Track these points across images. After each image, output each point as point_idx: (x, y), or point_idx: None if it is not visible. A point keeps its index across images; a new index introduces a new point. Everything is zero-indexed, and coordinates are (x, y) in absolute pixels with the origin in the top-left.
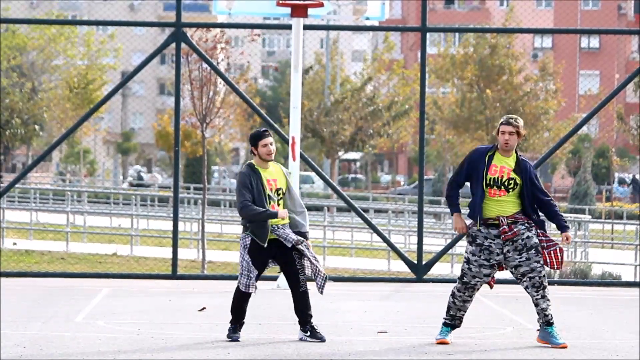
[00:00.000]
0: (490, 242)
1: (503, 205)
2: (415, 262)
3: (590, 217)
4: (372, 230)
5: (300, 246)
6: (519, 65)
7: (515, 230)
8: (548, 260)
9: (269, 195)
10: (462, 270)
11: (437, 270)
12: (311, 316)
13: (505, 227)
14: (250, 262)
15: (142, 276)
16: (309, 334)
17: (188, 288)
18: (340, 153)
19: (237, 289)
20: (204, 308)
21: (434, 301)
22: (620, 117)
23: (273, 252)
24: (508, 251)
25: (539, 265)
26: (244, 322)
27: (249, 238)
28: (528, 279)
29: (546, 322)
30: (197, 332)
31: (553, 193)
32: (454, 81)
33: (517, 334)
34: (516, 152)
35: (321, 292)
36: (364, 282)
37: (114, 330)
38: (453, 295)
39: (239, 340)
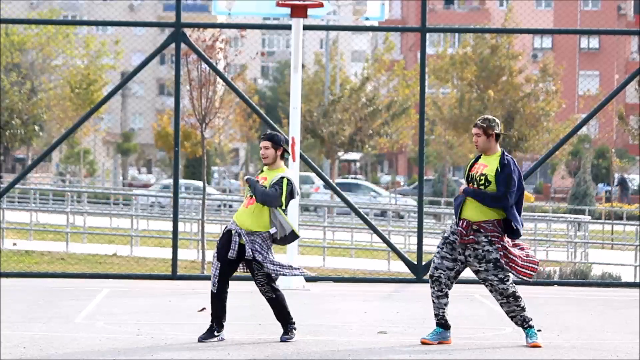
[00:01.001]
0: (455, 238)
1: (475, 208)
2: (415, 262)
3: (590, 217)
4: (372, 230)
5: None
6: (518, 65)
7: (473, 238)
8: (521, 276)
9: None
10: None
11: None
12: (290, 322)
13: (463, 231)
14: (214, 256)
15: (142, 277)
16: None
17: (188, 288)
18: (340, 153)
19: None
20: (204, 308)
21: None
22: (621, 117)
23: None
24: (469, 255)
25: (496, 279)
26: (222, 322)
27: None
28: (490, 286)
29: (521, 326)
30: (197, 332)
31: (553, 194)
32: (454, 82)
33: (516, 334)
34: (502, 152)
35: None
36: (364, 282)
37: (113, 331)
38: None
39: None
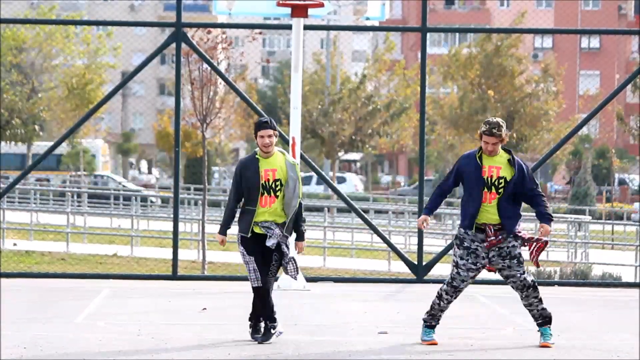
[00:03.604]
0: (477, 246)
1: (489, 212)
2: (416, 262)
3: (590, 217)
4: (372, 231)
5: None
6: (520, 66)
7: (500, 237)
8: (530, 257)
9: (263, 185)
10: (452, 274)
11: (438, 271)
12: (261, 317)
13: (492, 238)
14: (245, 252)
15: (143, 277)
16: (251, 330)
17: (188, 289)
18: (340, 154)
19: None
20: (204, 309)
21: None
22: (620, 117)
23: (261, 245)
24: (493, 256)
25: (519, 273)
26: (261, 318)
27: (240, 235)
28: (512, 282)
29: (539, 323)
30: (198, 332)
31: (553, 194)
32: (457, 80)
33: (517, 334)
34: (508, 151)
35: (295, 278)
36: (364, 282)
37: (114, 331)
38: (440, 297)
39: (257, 341)
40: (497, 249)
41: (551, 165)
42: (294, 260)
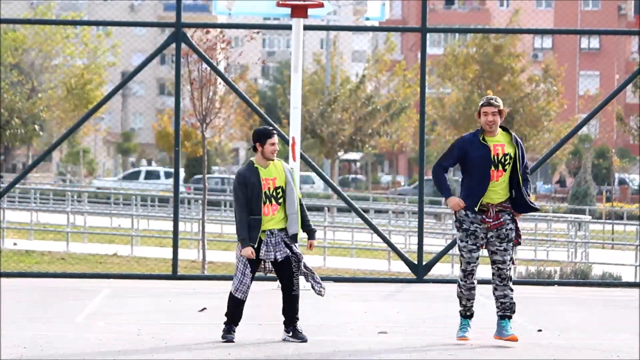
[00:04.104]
0: (476, 227)
1: (495, 191)
2: (416, 262)
3: (590, 217)
4: (372, 230)
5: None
6: (520, 65)
7: (501, 220)
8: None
9: (265, 193)
10: (460, 259)
11: (438, 270)
12: (297, 319)
13: (492, 220)
14: (247, 262)
15: (143, 276)
16: (291, 334)
17: (188, 288)
18: (340, 153)
19: (230, 293)
20: (204, 308)
21: (434, 302)
22: (619, 117)
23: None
24: (491, 237)
25: (508, 259)
26: (239, 323)
27: None
28: (497, 269)
29: (505, 315)
30: (198, 332)
31: (553, 193)
32: (455, 80)
33: (517, 334)
34: (506, 130)
35: (322, 295)
36: (364, 282)
37: (114, 331)
38: (459, 285)
39: (233, 342)
40: (496, 230)
41: (551, 165)
42: (314, 275)
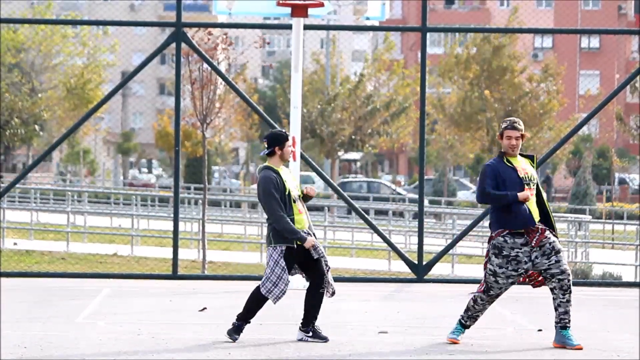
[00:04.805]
0: (517, 252)
1: (532, 208)
2: (416, 262)
3: (590, 217)
4: (372, 230)
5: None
6: (520, 65)
7: (545, 233)
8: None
9: (288, 195)
10: (488, 283)
11: (438, 270)
12: (316, 318)
13: (538, 232)
14: (286, 268)
15: (143, 276)
16: (311, 334)
17: (188, 288)
18: (340, 153)
19: (261, 292)
20: (204, 308)
21: (434, 301)
22: (619, 117)
23: (300, 256)
24: (536, 257)
25: (564, 268)
26: (250, 322)
27: (284, 246)
28: (557, 281)
29: (563, 326)
30: (198, 332)
31: (553, 193)
32: (455, 79)
33: (517, 334)
34: (523, 154)
35: (330, 295)
36: (364, 282)
37: (114, 331)
38: (475, 301)
39: (234, 342)
40: (539, 248)
41: (551, 165)
42: (329, 280)
